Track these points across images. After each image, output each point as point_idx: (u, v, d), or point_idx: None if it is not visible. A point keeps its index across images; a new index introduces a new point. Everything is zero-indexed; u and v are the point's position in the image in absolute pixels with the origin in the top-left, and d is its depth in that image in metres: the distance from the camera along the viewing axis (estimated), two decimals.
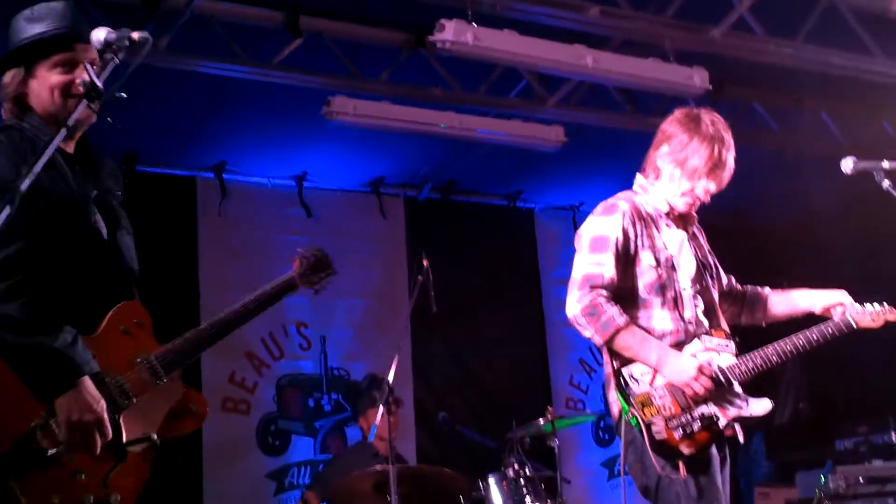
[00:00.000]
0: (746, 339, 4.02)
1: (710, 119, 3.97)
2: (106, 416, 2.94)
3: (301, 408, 8.37)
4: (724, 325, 4.01)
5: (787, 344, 3.91)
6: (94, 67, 2.82)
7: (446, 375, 9.03)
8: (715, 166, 3.91)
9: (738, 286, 4.31)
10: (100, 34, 2.82)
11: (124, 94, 2.77)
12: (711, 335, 3.90)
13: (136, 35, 2.77)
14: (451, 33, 5.74)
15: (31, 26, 3.22)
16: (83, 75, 2.95)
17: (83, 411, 2.88)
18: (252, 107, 7.23)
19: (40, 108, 3.19)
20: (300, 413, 8.36)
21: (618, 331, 3.75)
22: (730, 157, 3.94)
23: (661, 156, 3.99)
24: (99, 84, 2.63)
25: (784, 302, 4.25)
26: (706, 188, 3.94)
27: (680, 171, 3.93)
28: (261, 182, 8.47)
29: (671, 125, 4.02)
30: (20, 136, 3.11)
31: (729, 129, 3.99)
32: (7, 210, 2.37)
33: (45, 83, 3.18)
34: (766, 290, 4.32)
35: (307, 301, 8.48)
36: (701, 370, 3.75)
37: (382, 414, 5.88)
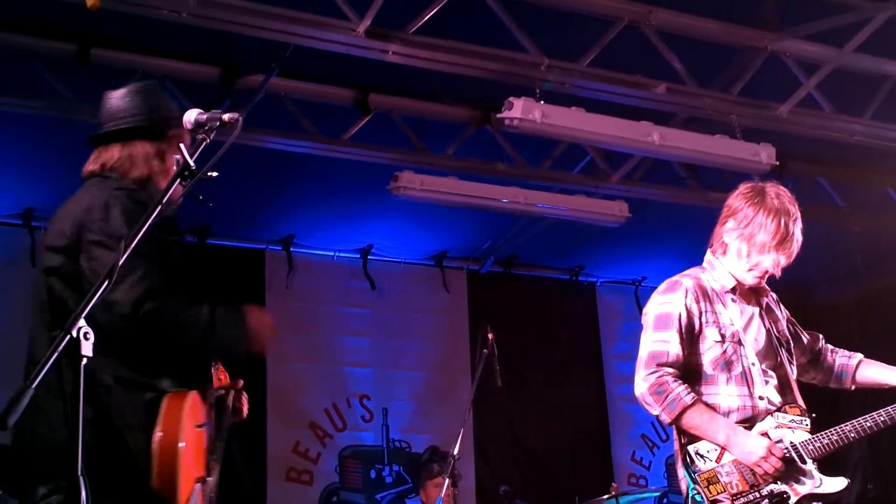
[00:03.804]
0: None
1: (776, 192, 3.96)
2: None
3: (363, 479, 8.39)
4: (800, 401, 3.95)
5: (867, 421, 3.84)
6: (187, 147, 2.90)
7: (507, 449, 9.00)
8: (783, 239, 3.89)
9: (828, 351, 4.24)
10: (191, 115, 2.93)
11: (216, 173, 2.86)
12: (786, 411, 3.87)
13: (226, 116, 2.86)
14: (520, 111, 5.84)
15: (171, 100, 3.40)
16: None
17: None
18: (321, 181, 7.39)
19: (153, 179, 3.28)
20: (362, 484, 8.38)
21: (685, 409, 3.74)
22: (797, 230, 3.92)
23: (728, 231, 3.99)
24: (192, 164, 2.71)
25: (873, 374, 4.15)
26: (776, 261, 3.91)
27: (747, 245, 3.92)
28: (327, 255, 8.60)
29: (736, 199, 4.01)
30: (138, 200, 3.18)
31: (795, 201, 3.98)
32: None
33: (170, 161, 3.30)
34: (856, 358, 4.22)
35: (370, 373, 8.54)
36: (770, 450, 3.72)
37: (447, 487, 5.87)
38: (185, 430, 2.94)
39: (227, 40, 5.73)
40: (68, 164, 6.86)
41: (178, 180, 2.71)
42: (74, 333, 2.31)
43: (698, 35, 6.19)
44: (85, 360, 2.32)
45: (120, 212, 3.05)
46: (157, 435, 2.90)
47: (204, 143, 2.83)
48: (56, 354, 2.29)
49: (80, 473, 2.30)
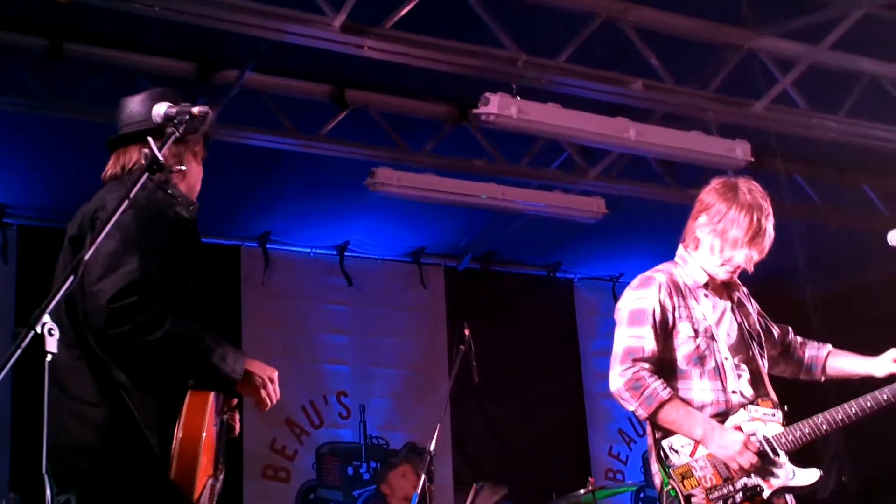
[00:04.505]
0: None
1: (748, 187, 3.96)
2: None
3: (340, 476, 8.37)
4: (773, 395, 3.97)
5: (839, 412, 3.85)
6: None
7: (484, 445, 8.99)
8: (755, 235, 3.89)
9: (798, 344, 4.26)
10: (160, 108, 2.90)
11: (183, 167, 2.83)
12: (758, 405, 3.87)
13: (196, 109, 2.84)
14: (496, 106, 5.83)
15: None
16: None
17: (265, 374, 3.16)
18: (297, 177, 7.35)
19: (171, 181, 3.32)
20: (339, 481, 8.36)
21: (661, 404, 3.74)
22: (769, 225, 3.92)
23: (700, 226, 3.99)
24: (160, 158, 2.69)
25: (842, 364, 4.19)
26: (748, 256, 3.92)
27: (720, 241, 3.92)
28: (303, 252, 8.57)
29: (709, 195, 4.02)
30: None
31: (767, 196, 3.99)
32: None
33: (189, 164, 3.37)
34: (825, 349, 4.25)
35: (348, 370, 8.52)
36: (746, 444, 3.73)
37: (423, 483, 5.86)
38: (206, 429, 2.94)
39: (202, 35, 5.69)
40: (40, 160, 6.84)
41: (146, 174, 2.68)
42: (38, 329, 2.27)
43: (675, 32, 6.20)
44: (49, 357, 2.27)
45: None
46: (180, 433, 2.90)
47: (173, 137, 2.81)
48: (20, 351, 2.25)
49: (45, 472, 2.27)
